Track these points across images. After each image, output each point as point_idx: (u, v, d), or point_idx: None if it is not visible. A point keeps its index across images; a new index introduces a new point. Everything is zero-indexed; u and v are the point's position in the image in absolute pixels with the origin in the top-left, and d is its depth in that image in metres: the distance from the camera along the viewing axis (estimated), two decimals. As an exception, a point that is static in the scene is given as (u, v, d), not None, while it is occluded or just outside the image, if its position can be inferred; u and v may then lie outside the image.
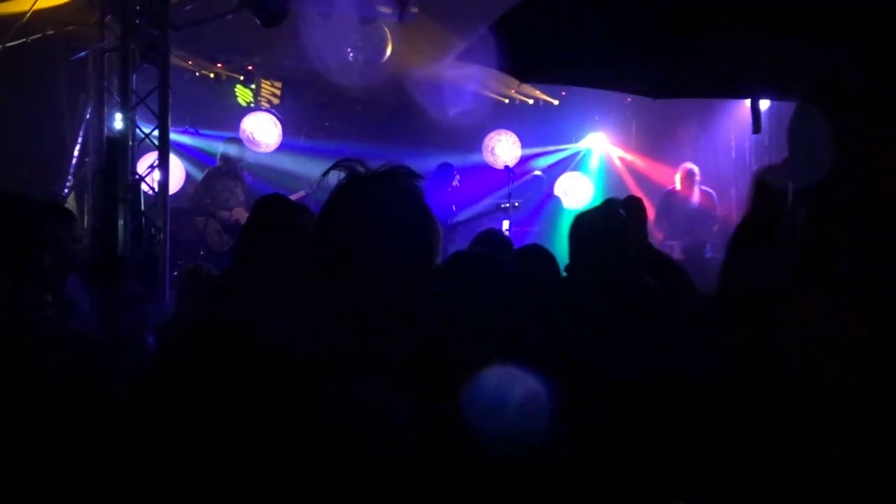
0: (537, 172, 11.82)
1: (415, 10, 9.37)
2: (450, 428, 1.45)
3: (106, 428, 2.25)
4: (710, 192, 10.17)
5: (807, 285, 1.44)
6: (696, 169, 10.20)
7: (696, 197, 9.95)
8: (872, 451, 1.28)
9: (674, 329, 3.41)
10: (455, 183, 9.84)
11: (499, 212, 10.18)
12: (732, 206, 10.31)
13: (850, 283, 1.37)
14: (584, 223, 3.70)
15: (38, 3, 8.47)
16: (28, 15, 8.52)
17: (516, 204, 10.17)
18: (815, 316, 1.37)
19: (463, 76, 11.55)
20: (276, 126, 11.38)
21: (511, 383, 1.49)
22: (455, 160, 10.62)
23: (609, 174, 12.43)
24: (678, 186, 9.97)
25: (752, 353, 1.44)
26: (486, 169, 12.09)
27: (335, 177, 1.68)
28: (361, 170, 1.66)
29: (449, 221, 9.66)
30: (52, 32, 9.11)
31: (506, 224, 10.40)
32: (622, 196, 6.05)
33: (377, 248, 1.58)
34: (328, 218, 1.64)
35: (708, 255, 9.45)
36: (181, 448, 2.20)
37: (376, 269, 1.58)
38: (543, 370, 1.56)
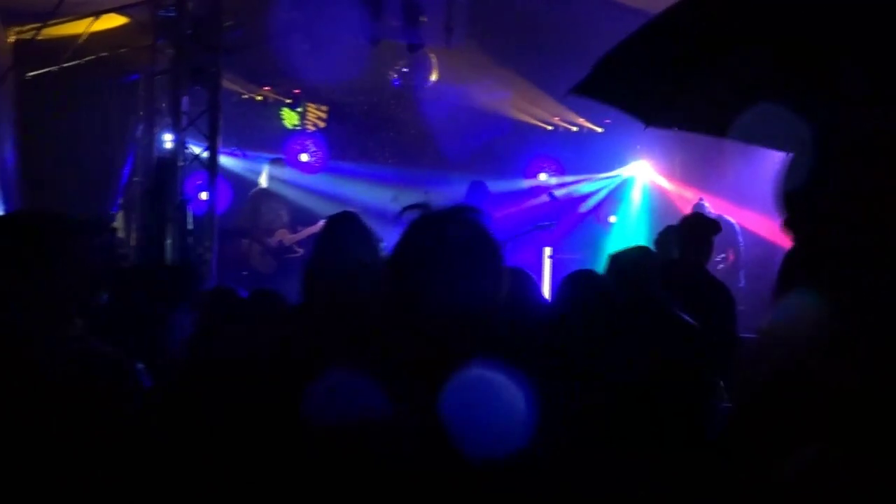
0: (544, 198, 11.68)
1: (457, 41, 9.44)
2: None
3: (120, 447, 2.28)
4: (727, 223, 10.04)
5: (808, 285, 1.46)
6: (705, 203, 10.15)
7: None
8: (872, 451, 1.29)
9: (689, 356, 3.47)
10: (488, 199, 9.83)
11: (536, 230, 10.15)
12: (777, 237, 10.20)
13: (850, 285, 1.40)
14: (618, 266, 3.78)
15: (93, 25, 8.66)
16: (84, 37, 8.72)
17: (550, 223, 10.14)
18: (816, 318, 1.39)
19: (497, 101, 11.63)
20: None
21: (501, 387, 1.54)
22: (499, 186, 10.65)
23: (652, 202, 12.38)
24: None
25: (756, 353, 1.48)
26: (529, 195, 12.09)
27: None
28: (429, 209, 1.79)
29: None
30: (105, 54, 9.30)
31: (548, 251, 10.40)
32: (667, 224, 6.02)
33: (446, 278, 1.67)
34: (395, 255, 1.74)
35: (741, 284, 9.39)
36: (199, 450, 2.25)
37: (445, 299, 1.65)
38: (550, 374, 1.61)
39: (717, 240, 8.57)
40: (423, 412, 1.55)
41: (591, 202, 12.58)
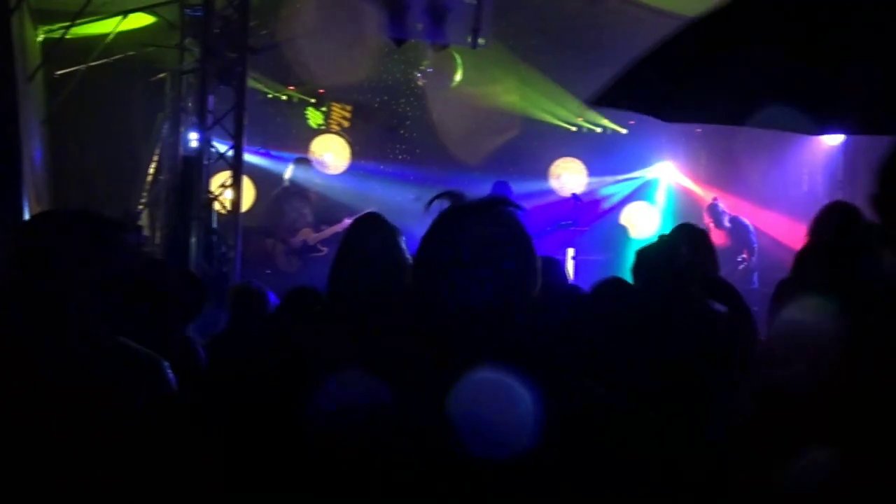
0: (567, 194, 11.58)
1: (482, 41, 9.44)
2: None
3: (146, 441, 2.31)
4: (742, 224, 9.98)
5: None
6: (720, 203, 10.08)
7: (719, 231, 9.74)
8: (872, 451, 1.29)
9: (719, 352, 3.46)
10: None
11: (558, 230, 10.13)
12: (796, 240, 10.13)
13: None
14: (645, 260, 3.76)
15: (121, 25, 8.74)
16: (112, 36, 8.80)
17: (571, 222, 10.12)
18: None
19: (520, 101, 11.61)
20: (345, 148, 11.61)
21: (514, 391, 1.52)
22: (522, 186, 10.64)
23: (676, 204, 12.33)
24: (707, 222, 9.83)
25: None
26: (553, 196, 12.08)
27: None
28: (463, 200, 1.70)
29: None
30: (132, 53, 9.38)
31: (570, 252, 10.37)
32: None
33: (476, 276, 1.60)
34: (429, 246, 1.67)
35: (754, 286, 9.37)
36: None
37: (474, 297, 1.59)
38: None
39: (733, 241, 8.56)
40: (434, 411, 1.54)
41: (615, 203, 12.55)
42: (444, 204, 1.71)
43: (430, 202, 1.71)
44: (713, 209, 10.03)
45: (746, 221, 10.16)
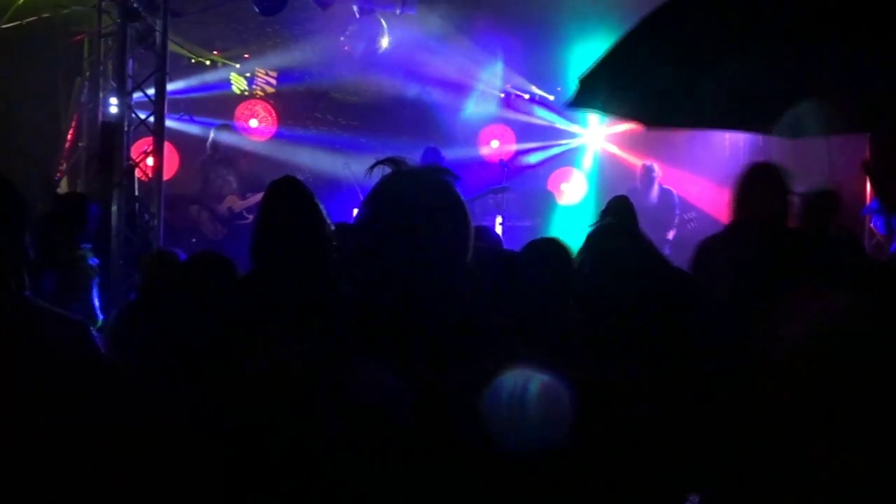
0: (495, 159, 11.64)
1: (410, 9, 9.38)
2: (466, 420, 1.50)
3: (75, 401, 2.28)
4: (669, 190, 10.27)
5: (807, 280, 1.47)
6: (655, 166, 10.29)
7: (654, 195, 10.03)
8: (872, 441, 1.31)
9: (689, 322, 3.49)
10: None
11: (490, 195, 10.15)
12: (725, 204, 10.32)
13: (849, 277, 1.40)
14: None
15: (35, -15, 8.45)
16: (24, -3, 8.50)
17: (504, 187, 10.17)
18: (814, 309, 1.40)
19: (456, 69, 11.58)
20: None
21: (529, 380, 1.55)
22: (451, 153, 10.62)
23: (604, 170, 12.44)
24: (638, 184, 10.07)
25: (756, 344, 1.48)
26: (481, 163, 12.08)
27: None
28: (404, 166, 1.78)
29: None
30: (48, 15, 9.07)
31: (499, 219, 10.41)
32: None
33: (417, 238, 1.67)
34: (371, 209, 1.74)
35: (666, 254, 9.57)
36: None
37: (415, 258, 1.66)
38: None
39: (661, 206, 8.64)
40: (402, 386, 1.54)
41: (543, 170, 12.61)
42: (386, 169, 1.76)
43: (373, 167, 1.77)
44: (649, 172, 10.18)
45: (672, 189, 10.39)
